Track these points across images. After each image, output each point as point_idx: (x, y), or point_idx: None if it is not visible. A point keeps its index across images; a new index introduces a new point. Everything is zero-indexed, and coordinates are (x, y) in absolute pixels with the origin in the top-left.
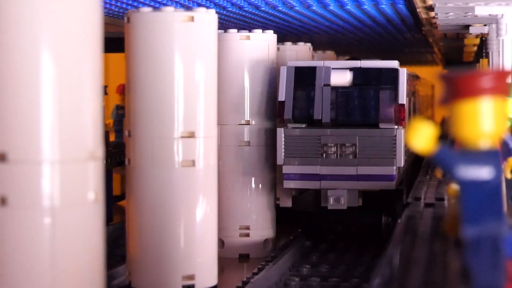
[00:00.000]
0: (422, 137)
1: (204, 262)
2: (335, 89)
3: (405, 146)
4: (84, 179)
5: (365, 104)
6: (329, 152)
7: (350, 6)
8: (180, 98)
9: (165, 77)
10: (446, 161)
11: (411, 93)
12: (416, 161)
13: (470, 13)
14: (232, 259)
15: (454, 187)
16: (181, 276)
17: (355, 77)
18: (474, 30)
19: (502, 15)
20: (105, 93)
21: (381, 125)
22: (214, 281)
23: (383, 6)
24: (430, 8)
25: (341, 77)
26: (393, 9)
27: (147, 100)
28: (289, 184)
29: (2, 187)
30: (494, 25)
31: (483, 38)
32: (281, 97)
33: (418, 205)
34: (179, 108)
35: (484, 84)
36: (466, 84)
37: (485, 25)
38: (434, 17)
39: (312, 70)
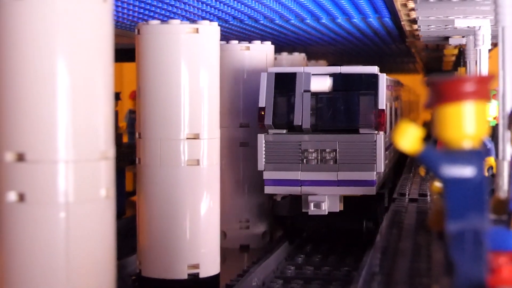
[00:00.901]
0: (408, 137)
1: (207, 252)
2: (315, 95)
3: (386, 149)
4: (96, 177)
5: (345, 109)
6: (310, 157)
7: (340, 20)
8: (185, 103)
9: (172, 83)
10: (431, 161)
11: (394, 99)
12: (400, 160)
13: (450, 26)
14: (234, 250)
15: (437, 184)
16: (187, 265)
17: (335, 83)
18: (453, 41)
19: (480, 27)
20: (119, 98)
21: (361, 131)
22: (217, 270)
23: (371, 19)
24: (414, 21)
25: (321, 83)
26: (380, 22)
27: (155, 104)
28: (270, 190)
29: (20, 185)
30: (471, 37)
31: (461, 49)
32: (262, 103)
33: (403, 200)
34: (185, 112)
35: (466, 89)
36: (450, 89)
37: (463, 36)
38: (417, 30)
39: (292, 76)
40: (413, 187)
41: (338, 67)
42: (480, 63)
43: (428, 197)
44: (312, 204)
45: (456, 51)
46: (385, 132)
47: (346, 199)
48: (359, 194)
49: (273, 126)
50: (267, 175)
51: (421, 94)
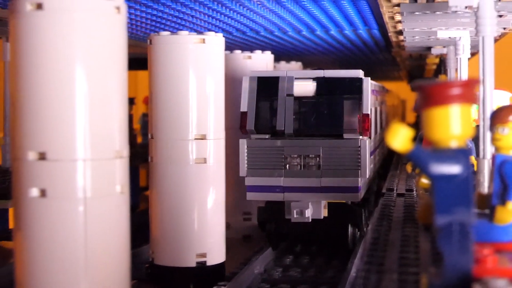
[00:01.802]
0: (399, 138)
1: (214, 242)
2: (299, 99)
3: (371, 154)
4: (112, 174)
5: (329, 114)
6: (293, 163)
7: (333, 31)
8: (193, 106)
9: (181, 89)
10: (420, 159)
11: (379, 103)
12: (386, 158)
13: (433, 37)
14: (237, 239)
15: (424, 180)
16: (195, 254)
17: (318, 87)
18: (435, 51)
19: (460, 37)
20: (134, 103)
21: (345, 136)
22: (223, 258)
23: (361, 31)
24: (400, 33)
25: (305, 87)
26: (369, 34)
27: (166, 108)
28: (252, 196)
29: (41, 182)
30: (452, 47)
31: (442, 58)
32: (243, 107)
33: (391, 195)
34: (193, 114)
35: (453, 93)
36: (438, 93)
37: (444, 46)
38: (402, 40)
39: (275, 80)
40: (400, 183)
41: (322, 71)
42: (460, 70)
43: (414, 192)
44: (295, 211)
45: (437, 60)
46: (369, 137)
47: (330, 205)
48: (343, 201)
49: (255, 131)
50: (249, 181)
51: (405, 99)
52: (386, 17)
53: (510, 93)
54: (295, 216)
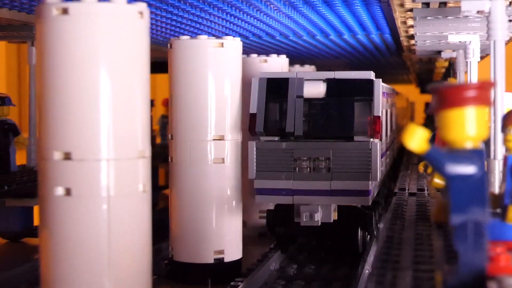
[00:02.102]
0: (416, 138)
1: (231, 239)
2: (308, 100)
3: (382, 156)
4: (134, 173)
5: (339, 116)
6: (302, 166)
7: (347, 36)
8: (212, 108)
9: (200, 92)
10: (436, 160)
11: (389, 105)
12: (397, 158)
13: (443, 41)
14: (253, 237)
15: (437, 180)
16: (213, 251)
17: (329, 89)
18: (445, 54)
19: (470, 41)
20: (153, 105)
21: (356, 138)
22: (240, 255)
23: (373, 36)
24: (411, 37)
25: (315, 89)
26: (381, 38)
27: (186, 110)
28: (261, 199)
29: (66, 181)
30: (461, 51)
31: (451, 62)
32: (253, 109)
33: (403, 195)
34: (211, 116)
35: (469, 95)
36: (454, 96)
37: (453, 50)
38: (413, 44)
39: (284, 82)
40: (412, 182)
41: (332, 72)
42: (470, 73)
43: (426, 191)
44: (304, 215)
45: (446, 64)
46: (380, 140)
47: (340, 208)
48: (354, 204)
49: (265, 133)
50: (258, 184)
51: (413, 101)
52: (398, 22)
53: None
54: (304, 219)
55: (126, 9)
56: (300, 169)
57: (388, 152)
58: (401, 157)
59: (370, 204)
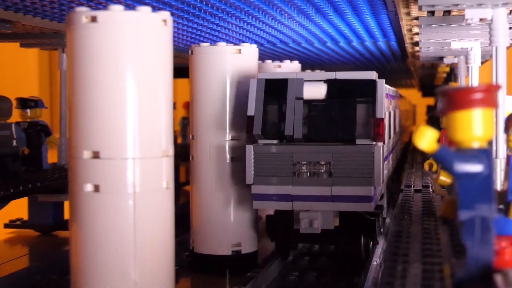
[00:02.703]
0: (426, 139)
1: (247, 233)
2: (308, 102)
3: (385, 159)
4: (159, 171)
5: (341, 118)
6: (302, 170)
7: (355, 43)
8: (230, 111)
9: (220, 95)
10: (445, 159)
11: (394, 107)
12: (401, 157)
13: (446, 47)
14: None
15: (443, 178)
16: (231, 244)
17: (329, 90)
18: (447, 60)
19: (472, 48)
20: (174, 108)
21: (358, 141)
22: (255, 247)
23: (380, 43)
24: (416, 44)
25: (315, 90)
26: (387, 45)
27: (206, 112)
28: (258, 205)
29: (95, 178)
30: (462, 56)
31: (452, 67)
32: (250, 111)
33: (409, 191)
34: (229, 118)
35: (476, 97)
36: (462, 98)
37: (455, 56)
38: (418, 51)
39: (283, 83)
40: (417, 180)
41: (333, 73)
42: (471, 78)
43: (430, 188)
44: (303, 222)
45: (447, 69)
46: (384, 143)
47: (342, 214)
48: (355, 211)
49: (263, 136)
50: (255, 189)
51: (415, 104)
52: (404, 30)
53: None
54: (303, 227)
55: (151, 17)
56: (300, 173)
57: (392, 154)
58: (405, 156)
59: (373, 210)
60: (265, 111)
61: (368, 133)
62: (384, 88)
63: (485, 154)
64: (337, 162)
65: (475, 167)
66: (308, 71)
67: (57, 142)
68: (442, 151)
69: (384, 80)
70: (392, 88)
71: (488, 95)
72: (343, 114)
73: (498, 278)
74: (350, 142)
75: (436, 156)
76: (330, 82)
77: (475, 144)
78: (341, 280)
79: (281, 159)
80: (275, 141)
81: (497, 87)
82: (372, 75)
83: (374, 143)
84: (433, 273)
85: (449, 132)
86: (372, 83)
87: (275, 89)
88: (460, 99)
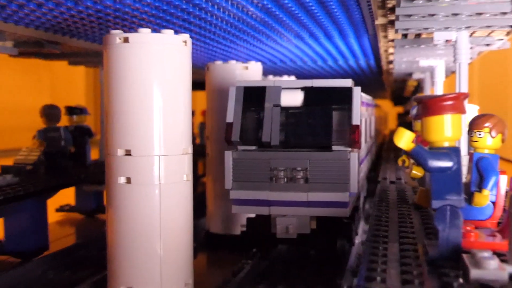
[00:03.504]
0: (404, 139)
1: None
2: (286, 109)
3: (361, 163)
4: (180, 166)
5: (317, 125)
6: (279, 176)
7: (340, 62)
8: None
9: None
10: (421, 155)
11: (370, 114)
12: (377, 154)
13: (415, 65)
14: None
15: (415, 172)
16: (240, 224)
17: (306, 97)
18: (416, 76)
19: (437, 65)
20: (193, 115)
21: (334, 148)
22: None
23: (361, 61)
24: (390, 62)
25: (292, 97)
26: (367, 63)
27: (218, 118)
28: (237, 210)
29: (127, 172)
30: (428, 72)
31: (419, 81)
32: (229, 118)
33: (386, 183)
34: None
35: (447, 104)
36: (435, 105)
37: (422, 72)
38: (391, 68)
39: (262, 90)
40: (391, 173)
41: (311, 80)
42: (436, 90)
43: (403, 180)
44: (279, 228)
45: (415, 83)
46: (359, 148)
47: (318, 216)
48: (331, 216)
49: (241, 142)
50: (234, 194)
51: (387, 112)
52: (381, 50)
53: (477, 106)
54: (279, 232)
55: (173, 38)
56: (277, 179)
57: (367, 157)
58: (380, 154)
59: (348, 215)
60: (243, 118)
61: (344, 140)
62: (360, 96)
63: (454, 152)
64: (313, 168)
65: (446, 163)
66: (285, 76)
67: (98, 142)
68: (418, 149)
69: (360, 88)
70: (369, 97)
71: (457, 103)
72: (319, 121)
73: (466, 257)
74: (327, 149)
75: (413, 153)
76: (307, 90)
77: (446, 144)
78: None
79: (259, 165)
80: (253, 147)
81: (465, 95)
82: (348, 82)
83: (350, 149)
84: (409, 251)
85: (423, 134)
86: (348, 90)
87: (254, 97)
88: (433, 106)
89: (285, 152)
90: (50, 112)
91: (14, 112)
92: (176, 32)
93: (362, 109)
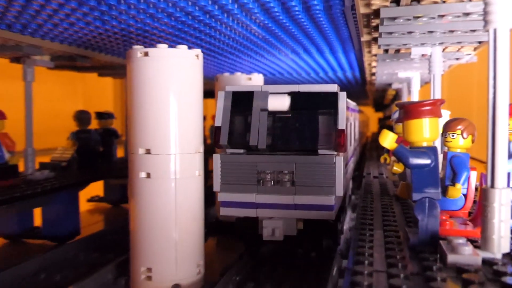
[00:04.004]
0: (388, 139)
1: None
2: (273, 114)
3: (346, 165)
4: (193, 163)
5: (304, 129)
6: (266, 179)
7: (330, 74)
8: None
9: None
10: (403, 154)
11: (354, 118)
12: (361, 153)
13: (395, 76)
14: None
15: (395, 168)
16: None
17: (293, 102)
18: (394, 86)
19: (413, 77)
20: (205, 119)
21: (320, 151)
22: None
23: (347, 73)
24: (373, 74)
25: (279, 102)
26: (352, 75)
27: None
28: (225, 212)
29: (147, 168)
30: (405, 83)
31: (397, 90)
32: (218, 122)
33: (370, 177)
34: None
35: (425, 109)
36: (415, 110)
37: (400, 83)
38: (374, 79)
39: (249, 95)
40: (374, 169)
41: (297, 85)
42: (412, 99)
43: (384, 175)
44: (266, 230)
45: (394, 92)
46: (345, 152)
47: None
48: (317, 218)
49: (229, 146)
50: (222, 197)
51: (369, 116)
52: (366, 64)
53: (449, 111)
54: (266, 234)
55: (187, 53)
56: (264, 182)
57: (353, 158)
58: (364, 153)
59: (334, 218)
60: (232, 122)
61: (330, 144)
62: (345, 100)
63: (432, 151)
64: (299, 171)
65: (425, 161)
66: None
67: (123, 142)
68: (401, 148)
69: (345, 93)
70: (354, 103)
71: (435, 108)
72: (306, 125)
73: (443, 244)
74: (313, 152)
75: (396, 152)
76: (293, 95)
77: (425, 144)
78: None
79: (246, 168)
80: (241, 151)
81: (442, 102)
82: (334, 87)
83: (336, 153)
84: (392, 238)
85: (404, 135)
86: (334, 95)
87: (242, 101)
88: (414, 111)
89: (272, 155)
90: (81, 117)
91: (53, 117)
92: (189, 47)
93: (348, 113)
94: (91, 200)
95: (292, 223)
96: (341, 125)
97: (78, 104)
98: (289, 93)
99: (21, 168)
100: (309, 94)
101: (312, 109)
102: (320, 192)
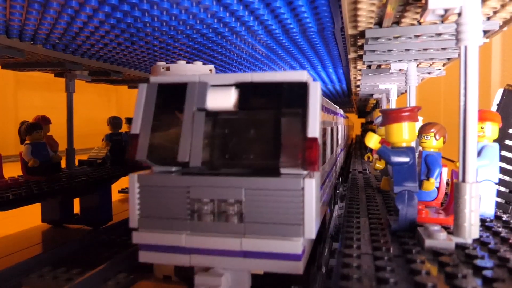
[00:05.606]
0: (373, 140)
1: None
2: (214, 115)
3: (325, 181)
4: None
5: (258, 138)
6: (203, 211)
7: (321, 86)
8: None
9: None
10: (386, 153)
11: (333, 123)
12: (347, 153)
13: (376, 87)
14: None
15: (377, 165)
16: None
17: (243, 98)
18: (375, 96)
19: (391, 88)
20: None
21: (283, 171)
22: None
23: (336, 85)
24: (358, 86)
25: (222, 98)
26: (340, 87)
27: None
28: (146, 258)
29: None
30: (384, 94)
31: (377, 100)
32: (135, 128)
33: (355, 173)
34: None
35: (404, 115)
36: (395, 115)
37: (380, 93)
38: (358, 90)
39: (181, 88)
40: (358, 166)
41: (249, 74)
42: (390, 107)
43: (368, 171)
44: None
45: (375, 101)
46: (319, 169)
47: None
48: (277, 272)
49: (151, 161)
50: (140, 237)
51: (353, 122)
52: (352, 77)
53: (422, 117)
54: None
55: (202, 67)
56: (200, 216)
57: (334, 168)
58: (350, 152)
59: (301, 271)
60: (154, 127)
61: (296, 159)
62: (319, 95)
63: (410, 151)
64: (251, 201)
65: (405, 159)
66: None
67: None
68: (383, 148)
69: (319, 83)
70: (335, 106)
71: (412, 114)
72: (261, 132)
73: (420, 230)
74: (271, 172)
75: (380, 151)
76: (244, 87)
77: (404, 144)
78: None
79: (174, 195)
80: (171, 169)
81: (419, 108)
82: (303, 75)
83: (305, 173)
84: (376, 224)
85: (386, 137)
86: (303, 87)
87: (171, 98)
88: (395, 116)
89: (212, 177)
90: (114, 122)
91: (91, 122)
92: (204, 63)
93: (324, 115)
94: (122, 191)
95: (243, 276)
96: (312, 131)
97: (111, 111)
98: (237, 85)
99: (63, 164)
100: (266, 85)
101: (270, 108)
102: (280, 233)
